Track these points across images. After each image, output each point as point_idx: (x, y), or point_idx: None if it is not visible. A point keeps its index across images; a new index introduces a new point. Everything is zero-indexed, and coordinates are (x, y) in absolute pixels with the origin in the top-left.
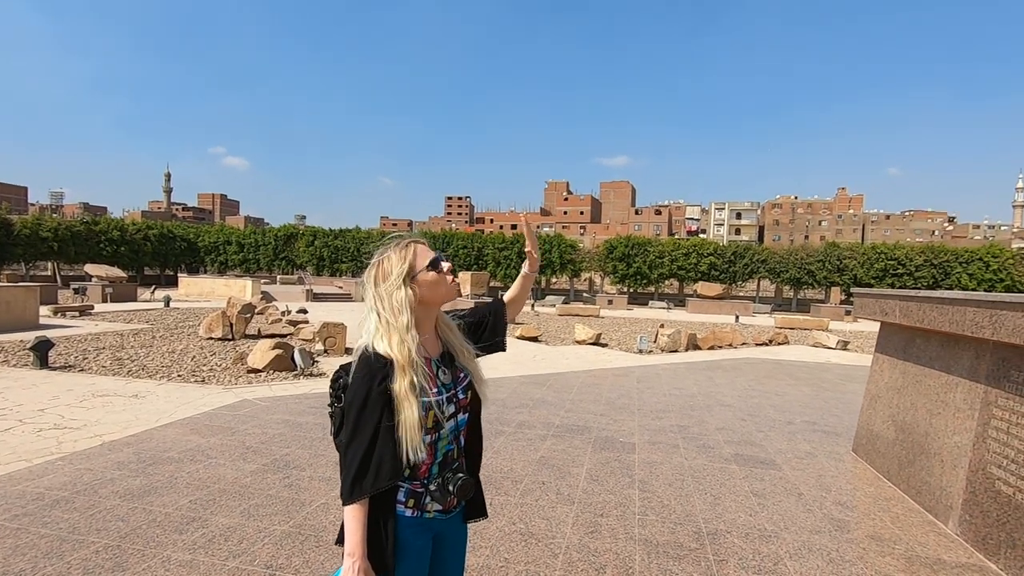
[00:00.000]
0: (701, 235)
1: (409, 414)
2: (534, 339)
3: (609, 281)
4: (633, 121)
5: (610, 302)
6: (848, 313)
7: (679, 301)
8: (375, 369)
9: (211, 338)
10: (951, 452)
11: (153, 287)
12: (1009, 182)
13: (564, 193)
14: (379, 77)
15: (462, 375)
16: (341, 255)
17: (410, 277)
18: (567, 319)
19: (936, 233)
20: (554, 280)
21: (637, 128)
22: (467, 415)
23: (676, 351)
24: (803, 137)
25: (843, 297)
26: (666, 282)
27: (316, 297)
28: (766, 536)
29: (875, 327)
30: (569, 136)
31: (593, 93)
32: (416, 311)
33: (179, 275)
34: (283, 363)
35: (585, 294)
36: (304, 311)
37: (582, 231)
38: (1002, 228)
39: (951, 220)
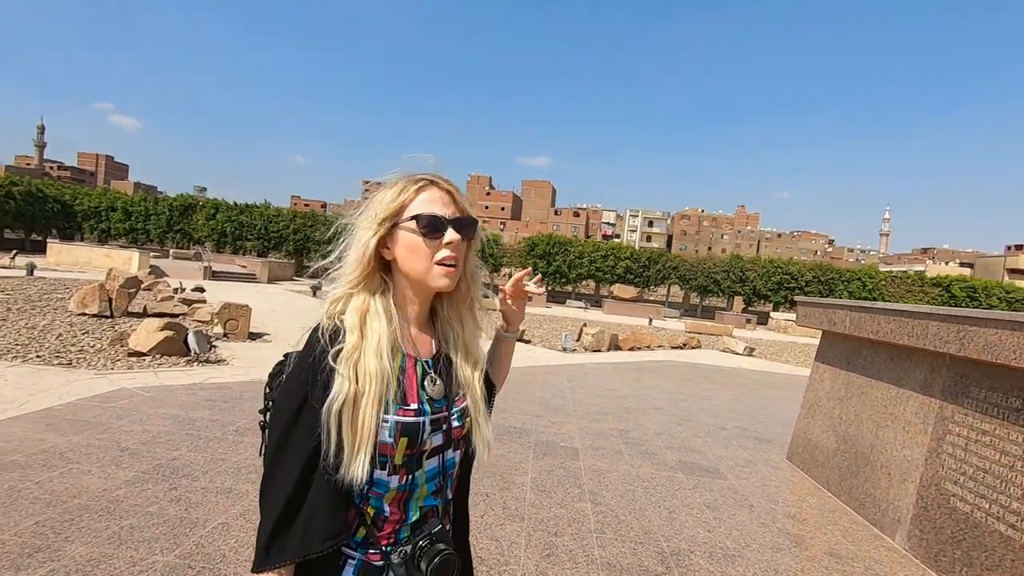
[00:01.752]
0: (615, 239)
1: (344, 387)
2: None
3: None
4: (557, 123)
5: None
6: (749, 321)
7: (595, 301)
8: (319, 359)
9: (84, 314)
10: (900, 465)
11: (14, 252)
12: (878, 211)
13: (486, 188)
14: (303, 58)
15: (461, 393)
16: (246, 232)
17: (390, 221)
18: (487, 314)
19: (818, 253)
20: None
21: (561, 130)
22: (458, 453)
23: (599, 350)
24: (714, 151)
25: (744, 305)
26: (583, 282)
27: (215, 275)
28: (730, 556)
29: (777, 336)
30: (493, 133)
31: (521, 91)
32: (397, 280)
33: (49, 241)
34: (173, 346)
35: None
36: (201, 289)
37: (502, 227)
38: (871, 252)
39: (831, 242)
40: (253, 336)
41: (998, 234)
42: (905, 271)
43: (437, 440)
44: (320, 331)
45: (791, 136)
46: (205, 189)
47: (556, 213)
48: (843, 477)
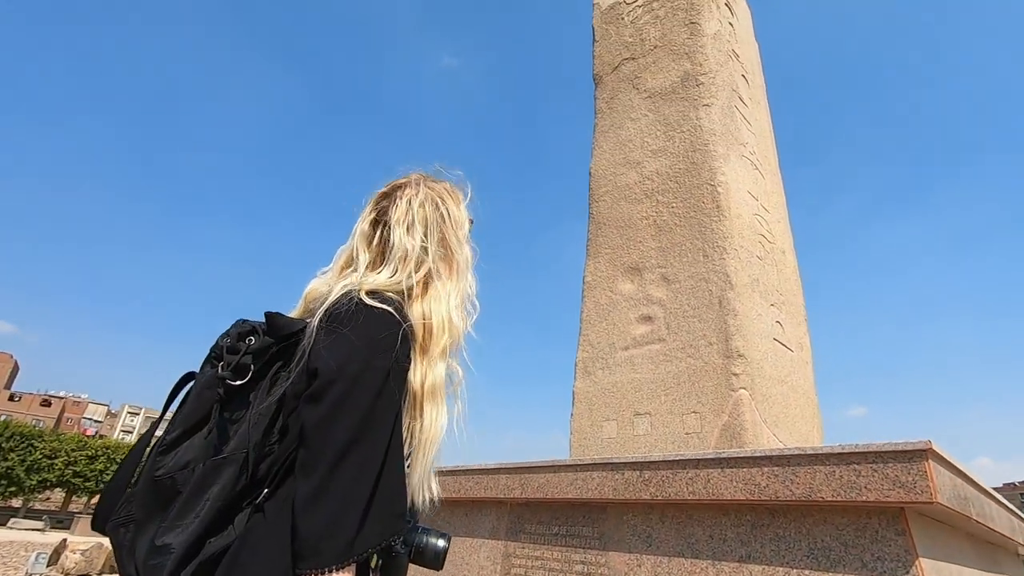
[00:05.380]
0: (100, 439)
1: (433, 421)
2: None
3: None
4: (28, 283)
5: None
6: None
7: (59, 520)
8: (403, 331)
9: None
10: None
11: None
12: None
13: None
14: None
15: None
16: None
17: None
18: None
19: None
20: None
21: (34, 292)
22: None
23: (88, 575)
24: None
25: None
26: (46, 493)
27: None
28: None
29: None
30: None
31: None
32: None
33: None
34: None
35: None
36: None
37: None
38: None
39: None
40: None
41: None
42: None
43: None
44: (381, 295)
45: None
46: None
47: (13, 398)
48: None
